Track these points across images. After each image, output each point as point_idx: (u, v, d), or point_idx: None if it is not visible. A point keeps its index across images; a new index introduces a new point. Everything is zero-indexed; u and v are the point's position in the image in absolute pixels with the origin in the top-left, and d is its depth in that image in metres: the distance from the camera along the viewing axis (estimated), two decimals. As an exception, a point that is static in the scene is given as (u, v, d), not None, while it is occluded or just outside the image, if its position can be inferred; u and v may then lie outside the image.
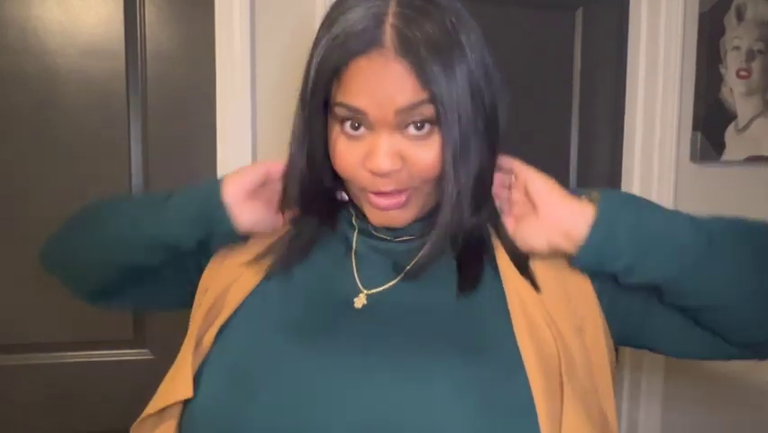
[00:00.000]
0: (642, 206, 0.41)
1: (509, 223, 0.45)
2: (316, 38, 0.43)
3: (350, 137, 0.42)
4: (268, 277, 0.49)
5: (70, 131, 0.98)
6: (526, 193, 0.42)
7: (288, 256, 0.49)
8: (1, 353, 0.97)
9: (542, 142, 1.21)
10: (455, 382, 0.39)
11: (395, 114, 0.39)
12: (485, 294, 0.46)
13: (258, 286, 0.49)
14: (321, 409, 0.41)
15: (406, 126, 0.41)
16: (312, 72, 0.43)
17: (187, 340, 0.47)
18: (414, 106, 0.39)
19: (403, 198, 0.43)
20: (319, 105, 0.43)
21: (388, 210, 0.44)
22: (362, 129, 0.42)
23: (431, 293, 0.47)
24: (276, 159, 0.54)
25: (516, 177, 0.44)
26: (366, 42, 0.38)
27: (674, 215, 0.41)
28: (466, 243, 0.47)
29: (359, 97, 0.40)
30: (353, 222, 0.52)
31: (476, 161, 0.43)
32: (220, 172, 1.03)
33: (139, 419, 0.47)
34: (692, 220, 0.40)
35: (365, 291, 0.48)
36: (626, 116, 1.23)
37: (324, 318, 0.47)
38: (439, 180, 0.43)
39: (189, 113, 1.05)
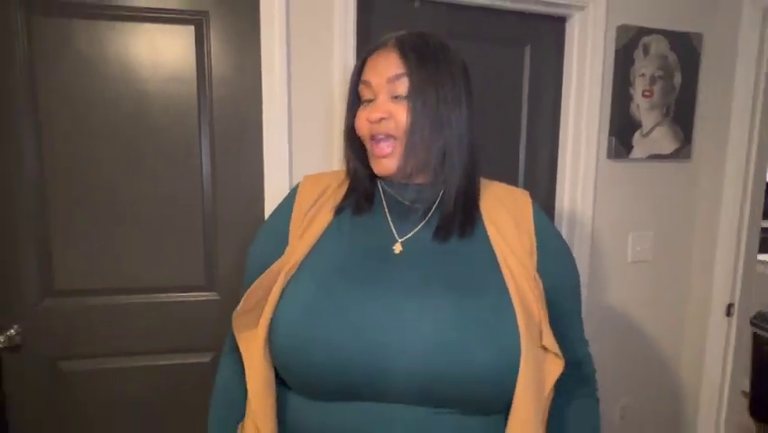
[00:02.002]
0: None
1: None
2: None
3: (364, 107, 0.59)
4: (332, 226, 0.61)
5: (157, 138, 1.15)
6: None
7: (352, 202, 0.63)
8: (119, 294, 1.16)
9: (498, 146, 1.40)
10: (459, 310, 0.52)
11: (386, 81, 0.56)
12: (478, 242, 0.60)
13: (323, 235, 0.61)
14: (368, 330, 0.51)
15: (395, 97, 0.56)
16: (352, 80, 0.61)
17: (273, 270, 0.58)
18: (397, 77, 0.55)
19: (389, 149, 0.57)
20: (353, 89, 0.61)
21: (382, 158, 0.58)
22: (371, 103, 0.58)
23: (436, 237, 0.59)
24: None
25: None
26: (378, 46, 0.59)
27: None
28: (463, 205, 0.60)
29: (367, 74, 0.58)
30: (384, 194, 0.65)
31: (439, 129, 0.56)
32: (265, 173, 1.18)
33: (240, 311, 0.58)
34: None
35: (400, 240, 0.60)
36: (560, 126, 1.42)
37: (371, 262, 0.58)
38: (411, 134, 0.55)
39: (243, 123, 1.20)
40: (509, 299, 0.52)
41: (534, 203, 0.66)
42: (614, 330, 1.51)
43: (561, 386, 0.56)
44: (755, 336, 2.06)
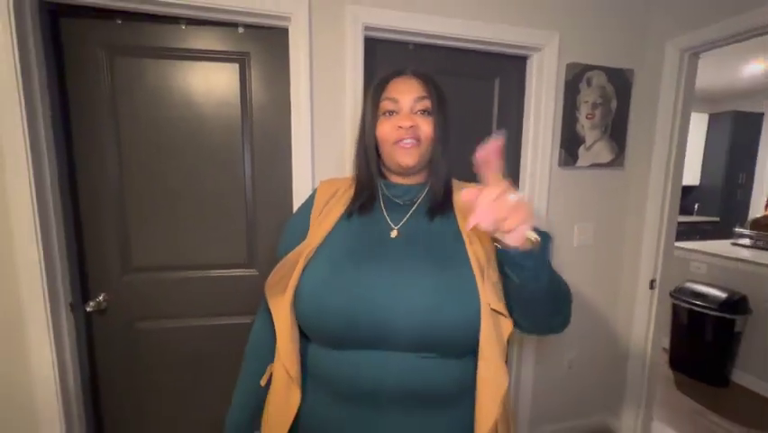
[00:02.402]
0: (547, 254, 0.55)
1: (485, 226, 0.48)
2: (367, 92, 0.70)
3: (387, 119, 0.66)
4: (342, 219, 0.68)
5: (210, 149, 1.32)
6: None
7: (355, 206, 0.70)
8: (181, 270, 1.34)
9: (473, 157, 1.63)
10: (436, 277, 0.59)
11: (413, 100, 0.65)
12: (449, 225, 0.67)
13: (334, 227, 0.67)
14: (371, 296, 0.58)
15: (415, 112, 0.65)
16: (370, 94, 0.68)
17: (298, 252, 0.66)
18: (421, 98, 0.65)
19: (414, 149, 0.64)
20: (376, 104, 0.66)
21: (407, 155, 0.64)
22: (393, 115, 0.65)
23: (425, 224, 0.67)
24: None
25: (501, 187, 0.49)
26: (396, 74, 0.69)
27: (548, 265, 0.55)
28: (440, 195, 0.68)
29: (393, 93, 0.66)
30: (382, 195, 0.71)
31: (444, 137, 0.65)
32: (293, 176, 1.34)
33: (271, 283, 0.66)
34: (552, 272, 0.56)
35: (395, 227, 0.67)
36: (522, 141, 1.61)
37: (374, 246, 0.65)
38: (431, 142, 0.64)
39: (276, 138, 1.36)
40: (471, 269, 0.60)
41: None
42: None
43: None
44: (674, 306, 2.44)
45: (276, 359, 0.65)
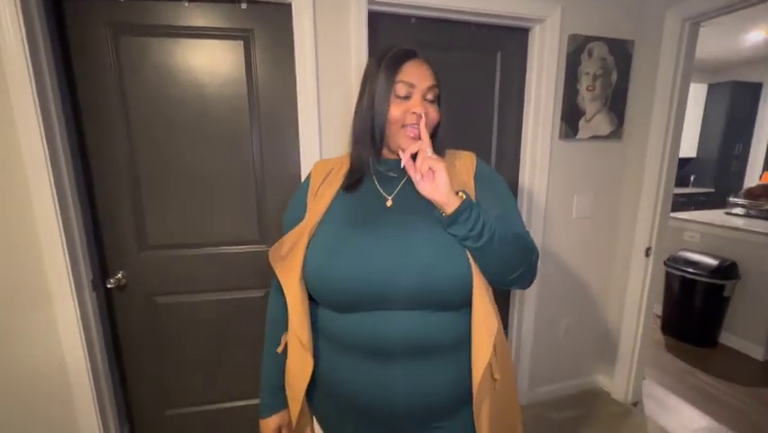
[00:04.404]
0: (475, 211, 0.62)
1: (414, 177, 0.63)
2: (372, 66, 0.70)
3: (400, 103, 0.67)
4: (338, 196, 0.72)
5: (215, 130, 1.33)
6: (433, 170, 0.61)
7: (350, 182, 0.74)
8: (196, 247, 1.39)
9: (476, 130, 1.60)
10: (431, 240, 0.63)
11: (426, 88, 0.67)
12: None
13: (331, 203, 0.72)
14: (373, 262, 0.63)
15: (426, 98, 0.68)
16: (381, 73, 0.67)
17: (303, 226, 0.71)
18: (433, 86, 0.68)
19: (420, 133, 0.66)
20: (390, 86, 0.67)
21: (415, 138, 0.67)
22: (407, 99, 0.67)
23: (415, 192, 0.67)
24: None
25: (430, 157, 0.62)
26: (409, 54, 0.69)
27: (482, 227, 0.61)
28: None
29: (411, 78, 0.67)
30: (374, 170, 0.74)
31: (442, 122, 0.69)
32: (301, 154, 1.36)
33: (279, 251, 0.71)
34: (492, 233, 0.61)
35: (389, 197, 0.71)
36: (524, 114, 1.64)
37: (371, 216, 0.69)
38: (435, 126, 0.68)
39: (282, 119, 1.37)
40: None
41: (478, 158, 0.80)
42: (562, 268, 1.81)
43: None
44: (667, 274, 2.53)
45: (289, 329, 0.71)
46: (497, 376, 0.68)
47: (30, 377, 1.24)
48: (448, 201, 0.61)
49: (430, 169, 0.62)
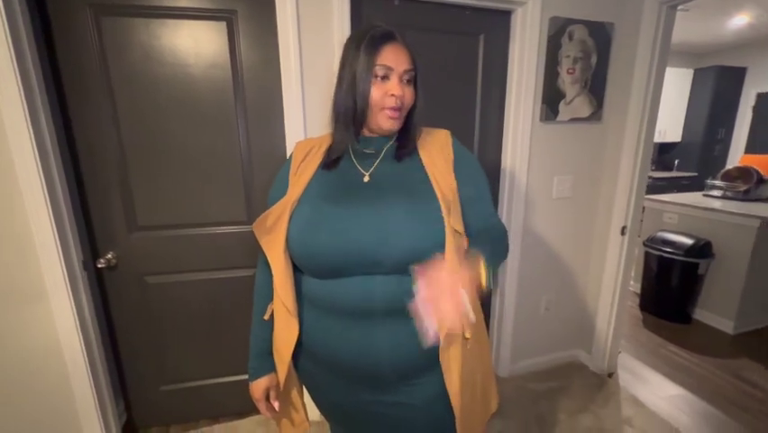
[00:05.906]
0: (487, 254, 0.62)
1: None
2: (351, 47, 0.72)
3: (380, 84, 0.70)
4: (317, 173, 0.75)
5: (201, 111, 1.34)
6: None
7: (329, 159, 0.77)
8: (184, 227, 1.41)
9: (459, 113, 1.62)
10: (408, 210, 0.66)
11: (404, 71, 0.70)
12: (416, 167, 0.74)
13: (311, 179, 0.75)
14: (354, 231, 0.66)
15: (403, 81, 0.70)
16: (362, 55, 0.69)
17: (285, 201, 0.73)
18: (410, 69, 0.71)
19: (398, 115, 0.71)
20: (371, 69, 0.69)
21: (394, 119, 0.71)
22: (386, 80, 0.70)
23: (393, 167, 0.73)
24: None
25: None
26: (388, 37, 0.70)
27: (487, 254, 0.62)
28: (408, 142, 0.76)
29: (388, 60, 0.70)
30: (352, 148, 0.78)
31: (417, 103, 0.73)
32: (286, 134, 1.38)
33: (264, 224, 0.74)
34: (491, 254, 0.64)
35: (366, 173, 0.75)
36: (506, 96, 1.66)
37: (349, 190, 0.73)
38: (410, 107, 0.72)
39: (267, 100, 1.38)
40: (437, 201, 0.69)
41: (453, 137, 0.82)
42: (542, 246, 1.87)
43: (479, 239, 0.70)
44: (646, 254, 2.63)
45: (275, 297, 0.76)
46: (467, 336, 0.72)
47: (25, 355, 1.27)
48: (478, 282, 0.58)
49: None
